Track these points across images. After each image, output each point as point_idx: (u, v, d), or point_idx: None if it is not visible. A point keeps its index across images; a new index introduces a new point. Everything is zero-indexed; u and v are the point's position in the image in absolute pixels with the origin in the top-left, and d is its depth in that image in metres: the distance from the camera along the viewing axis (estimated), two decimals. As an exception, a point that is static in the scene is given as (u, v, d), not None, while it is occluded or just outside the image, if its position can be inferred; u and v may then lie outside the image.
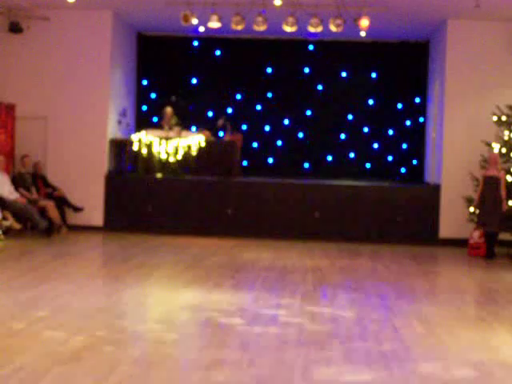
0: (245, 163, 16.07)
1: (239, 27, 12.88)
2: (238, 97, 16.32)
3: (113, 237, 13.31)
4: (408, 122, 16.10)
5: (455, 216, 13.56)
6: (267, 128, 16.35)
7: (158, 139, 14.05)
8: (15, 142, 13.84)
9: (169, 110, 14.70)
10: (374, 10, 12.72)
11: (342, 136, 16.22)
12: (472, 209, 12.85)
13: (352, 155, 16.21)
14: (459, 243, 13.35)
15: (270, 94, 16.28)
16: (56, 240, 12.43)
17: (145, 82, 16.25)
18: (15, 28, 13.64)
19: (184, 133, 14.23)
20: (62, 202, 13.63)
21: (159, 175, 14.12)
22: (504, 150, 12.64)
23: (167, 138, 14.06)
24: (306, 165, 16.29)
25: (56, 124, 14.07)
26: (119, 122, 14.65)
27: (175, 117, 14.63)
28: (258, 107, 16.34)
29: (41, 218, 12.65)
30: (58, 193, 13.66)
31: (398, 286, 9.35)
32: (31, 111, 14.04)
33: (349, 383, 5.27)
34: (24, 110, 13.93)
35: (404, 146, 16.12)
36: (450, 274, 10.91)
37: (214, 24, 12.86)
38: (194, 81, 16.32)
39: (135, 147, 14.16)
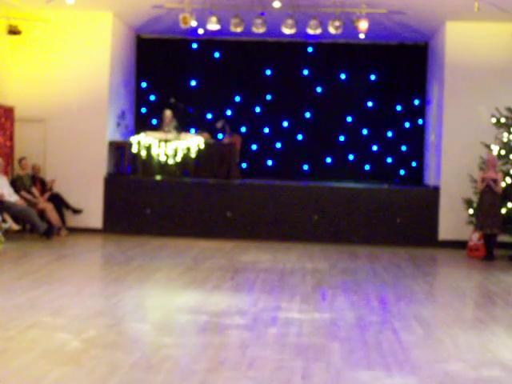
0: (244, 165, 16.08)
1: (238, 29, 12.90)
2: (237, 99, 16.33)
3: (112, 239, 13.30)
4: (407, 124, 16.12)
5: (454, 218, 13.56)
6: (266, 130, 16.37)
7: (157, 141, 14.05)
8: (14, 145, 13.84)
9: (168, 112, 14.70)
10: (372, 11, 12.74)
11: (341, 138, 16.23)
12: (471, 211, 12.86)
13: (351, 157, 16.22)
14: (458, 245, 13.36)
15: (269, 96, 16.30)
16: (55, 242, 12.42)
17: (144, 85, 16.26)
18: (14, 30, 13.65)
19: (183, 135, 14.24)
20: (61, 204, 13.63)
21: (158, 177, 14.12)
22: (503, 152, 12.65)
23: (166, 140, 14.06)
24: (306, 167, 16.30)
25: (55, 126, 14.07)
26: (118, 125, 14.66)
27: (175, 119, 14.62)
28: (257, 109, 16.35)
29: (40, 220, 12.65)
30: (51, 184, 13.57)
31: (398, 288, 9.34)
32: (30, 114, 14.03)
33: (348, 385, 5.28)
34: (23, 112, 13.94)
35: (403, 148, 16.13)
36: (450, 276, 10.91)
37: (213, 26, 12.89)
38: (193, 83, 16.33)
39: (134, 149, 14.17)
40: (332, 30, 12.73)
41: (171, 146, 14.05)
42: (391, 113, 16.13)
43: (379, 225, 13.75)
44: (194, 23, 12.79)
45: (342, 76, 16.24)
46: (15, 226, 12.54)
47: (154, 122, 15.29)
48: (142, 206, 13.93)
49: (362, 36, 13.90)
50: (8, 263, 10.40)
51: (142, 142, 14.08)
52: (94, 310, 7.38)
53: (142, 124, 15.66)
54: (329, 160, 16.23)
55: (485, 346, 6.41)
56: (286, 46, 15.98)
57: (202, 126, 15.55)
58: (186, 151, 14.10)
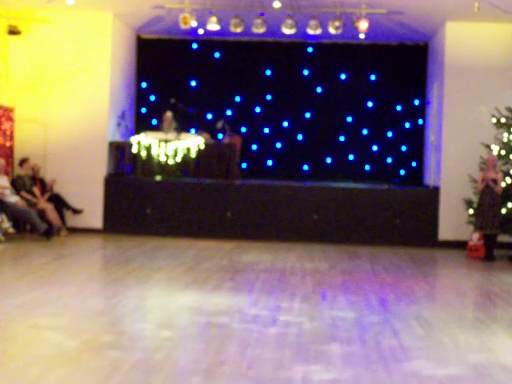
0: (244, 165, 16.08)
1: (238, 29, 12.90)
2: (237, 99, 16.33)
3: (112, 239, 13.30)
4: (407, 125, 16.13)
5: (454, 218, 13.56)
6: (266, 130, 16.37)
7: (157, 141, 14.06)
8: (14, 145, 13.84)
9: (169, 113, 14.70)
10: (372, 12, 12.74)
11: (342, 138, 16.23)
12: (471, 211, 12.86)
13: (351, 157, 16.22)
14: (458, 245, 13.36)
15: (269, 97, 16.29)
16: (55, 243, 12.42)
17: (144, 85, 16.26)
18: (14, 30, 13.65)
19: (183, 135, 14.24)
20: (61, 205, 13.63)
21: (158, 177, 14.12)
22: (503, 152, 12.66)
23: (166, 141, 14.06)
24: (306, 167, 16.30)
25: (55, 127, 14.07)
26: (118, 125, 14.66)
27: (175, 121, 14.61)
28: (257, 109, 16.35)
29: (40, 220, 12.65)
30: (51, 184, 13.58)
31: (397, 288, 9.34)
32: (30, 114, 14.04)
33: (348, 385, 5.28)
34: (23, 112, 13.94)
35: (403, 148, 16.13)
36: (449, 277, 10.91)
37: (213, 26, 12.88)
38: (193, 83, 16.33)
39: (134, 150, 14.17)
40: (332, 30, 12.73)
41: (171, 146, 14.05)
42: (391, 113, 16.13)
43: (379, 225, 13.75)
44: (194, 23, 12.78)
45: (342, 76, 16.24)
46: (11, 230, 12.52)
47: (154, 122, 15.29)
48: (142, 206, 13.93)
49: (362, 36, 13.89)
50: (8, 263, 10.41)
51: (142, 143, 14.08)
52: (94, 310, 7.38)
53: (142, 124, 15.66)
54: (329, 160, 16.23)
55: (485, 346, 6.42)
56: (286, 46, 15.98)
57: (202, 126, 15.55)
58: (186, 151, 14.10)
